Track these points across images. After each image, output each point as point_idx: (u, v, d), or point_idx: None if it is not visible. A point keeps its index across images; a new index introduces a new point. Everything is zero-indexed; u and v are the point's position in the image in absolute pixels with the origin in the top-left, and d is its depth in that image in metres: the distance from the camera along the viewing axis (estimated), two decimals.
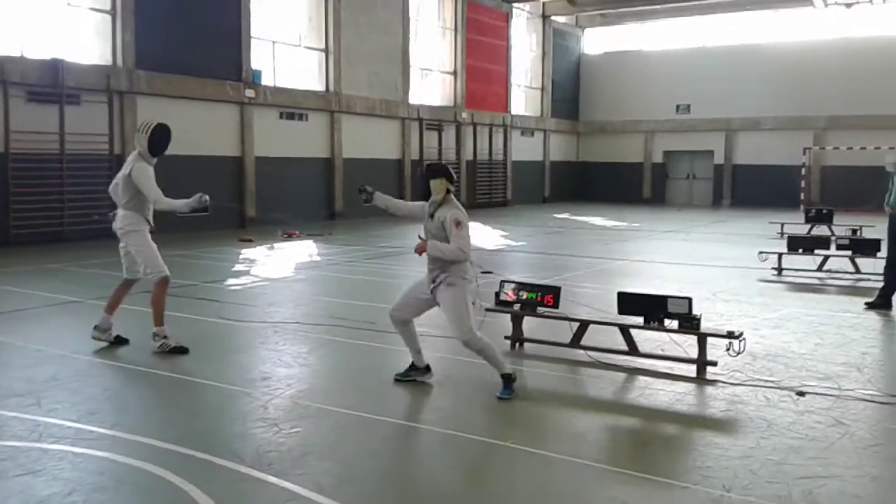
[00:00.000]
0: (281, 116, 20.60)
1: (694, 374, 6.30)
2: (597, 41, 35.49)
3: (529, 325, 7.43)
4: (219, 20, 18.81)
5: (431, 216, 5.77)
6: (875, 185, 27.49)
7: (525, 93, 32.07)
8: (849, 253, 11.89)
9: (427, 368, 6.12)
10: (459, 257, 5.62)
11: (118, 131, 16.67)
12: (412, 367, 6.12)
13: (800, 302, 9.89)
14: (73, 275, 11.62)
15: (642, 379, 6.30)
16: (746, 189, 30.76)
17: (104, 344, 7.10)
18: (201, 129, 18.45)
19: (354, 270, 12.54)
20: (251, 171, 19.62)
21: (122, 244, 7.04)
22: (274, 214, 19.13)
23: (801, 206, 26.10)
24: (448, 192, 5.75)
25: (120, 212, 6.94)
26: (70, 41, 16.14)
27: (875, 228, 16.19)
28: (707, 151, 32.07)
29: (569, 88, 34.53)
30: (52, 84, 15.38)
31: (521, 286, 7.30)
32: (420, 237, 5.85)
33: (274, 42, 20.69)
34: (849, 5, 27.52)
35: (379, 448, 4.81)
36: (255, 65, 19.74)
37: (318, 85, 21.94)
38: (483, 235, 18.85)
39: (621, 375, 6.41)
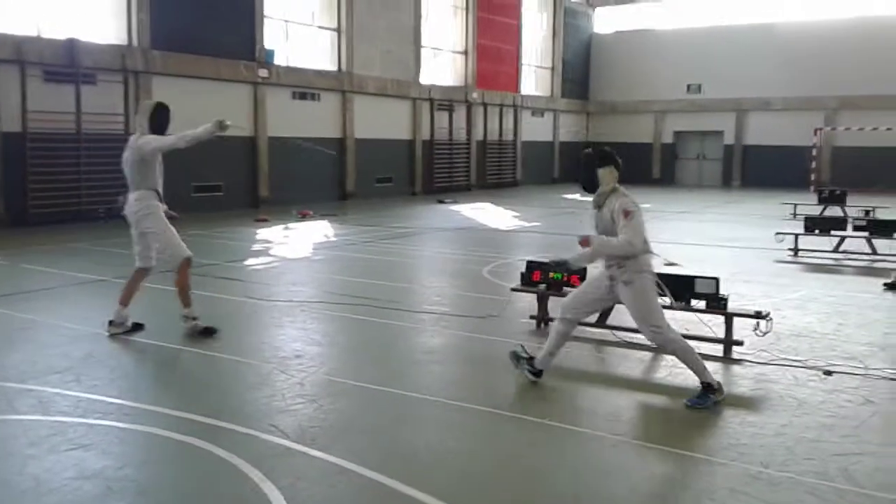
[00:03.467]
0: (293, 96, 20.60)
1: (720, 354, 6.37)
2: (608, 20, 35.27)
3: (554, 304, 7.48)
4: (233, 0, 18.78)
5: (599, 208, 5.35)
6: (886, 166, 27.54)
7: (535, 72, 31.95)
8: (865, 234, 11.91)
9: (541, 372, 5.66)
10: (629, 251, 5.13)
11: (133, 111, 16.66)
12: (529, 359, 5.70)
13: (819, 283, 9.94)
14: (95, 253, 11.72)
15: (669, 358, 6.34)
16: (756, 170, 30.68)
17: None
18: (215, 108, 18.28)
19: (371, 250, 12.62)
20: (264, 151, 19.65)
21: (134, 230, 6.82)
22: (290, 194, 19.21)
23: (812, 187, 26.06)
24: (617, 181, 5.33)
25: (132, 195, 6.74)
26: (86, 21, 16.14)
27: (889, 209, 16.21)
28: (717, 132, 31.97)
29: (579, 68, 34.39)
30: (68, 64, 15.41)
31: (548, 266, 7.35)
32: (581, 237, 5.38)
33: (287, 21, 20.64)
34: None
35: (417, 424, 4.90)
36: (268, 44, 19.71)
37: (330, 65, 21.91)
38: (495, 216, 18.90)
39: (648, 354, 6.48)
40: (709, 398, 5.13)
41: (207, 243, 13.01)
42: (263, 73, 19.39)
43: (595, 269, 5.69)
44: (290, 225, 16.00)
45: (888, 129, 27.04)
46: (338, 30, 21.97)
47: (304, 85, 20.82)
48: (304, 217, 17.11)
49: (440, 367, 6.15)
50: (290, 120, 20.22)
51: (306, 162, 20.37)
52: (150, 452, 4.45)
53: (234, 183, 19.20)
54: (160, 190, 6.84)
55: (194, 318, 6.84)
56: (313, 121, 21.00)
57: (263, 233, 14.73)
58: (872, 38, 28.26)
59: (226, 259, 11.33)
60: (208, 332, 6.82)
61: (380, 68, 23.16)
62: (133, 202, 6.72)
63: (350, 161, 22.19)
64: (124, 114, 16.45)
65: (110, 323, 6.88)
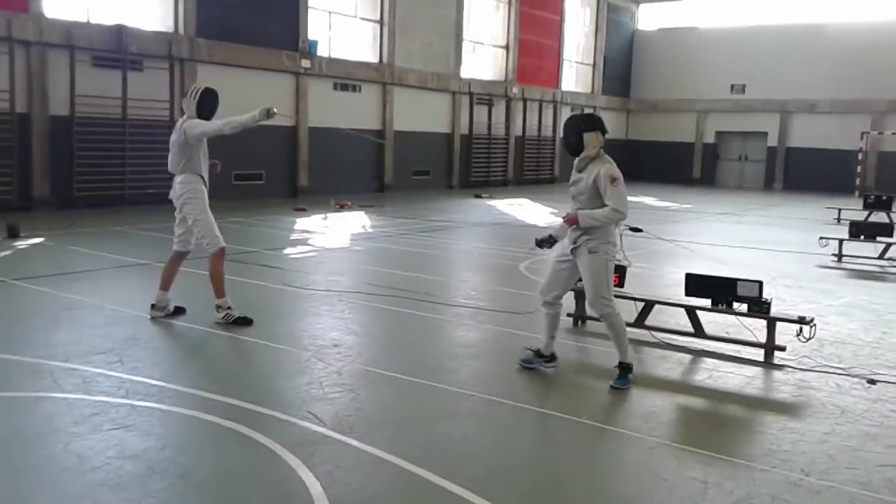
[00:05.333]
0: (335, 87, 20.71)
1: (761, 359, 6.27)
2: (651, 17, 34.86)
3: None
4: None
5: (579, 172, 5.42)
6: None
7: (576, 69, 31.71)
8: None
9: (553, 356, 5.80)
10: (616, 219, 5.28)
11: (178, 98, 16.91)
12: (538, 353, 5.80)
13: (863, 289, 9.73)
14: (138, 237, 11.92)
15: (709, 361, 6.29)
16: (799, 173, 30.13)
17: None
18: (257, 97, 18.50)
19: (408, 242, 12.65)
20: (305, 141, 19.80)
21: (178, 213, 6.87)
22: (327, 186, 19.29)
23: (857, 192, 25.53)
24: (601, 147, 5.39)
25: (177, 178, 6.76)
26: (134, 7, 16.39)
27: None
28: (761, 133, 31.44)
29: (621, 65, 34.05)
30: (116, 49, 15.67)
31: None
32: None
33: (330, 13, 20.74)
34: None
35: (453, 417, 4.91)
36: (311, 35, 19.83)
37: (371, 56, 21.98)
38: (532, 212, 18.82)
39: (687, 357, 6.41)
40: (628, 377, 5.45)
41: (247, 231, 13.17)
42: (306, 63, 19.52)
43: (557, 246, 5.74)
44: (328, 215, 16.11)
45: None
46: (380, 22, 22.02)
47: (346, 76, 20.92)
48: (341, 207, 17.21)
49: (477, 361, 6.15)
50: (332, 110, 20.33)
51: (345, 153, 20.49)
52: (190, 435, 4.52)
53: (275, 172, 19.38)
54: (205, 175, 6.86)
55: (228, 308, 6.82)
56: (354, 112, 21.10)
57: (302, 222, 14.86)
58: None
59: (265, 247, 11.45)
60: (242, 322, 6.79)
61: (420, 61, 23.18)
62: (178, 185, 6.76)
63: (388, 153, 22.26)
64: (169, 101, 16.69)
65: (152, 307, 6.98)
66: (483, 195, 22.27)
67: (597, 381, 5.77)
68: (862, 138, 27.91)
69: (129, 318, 6.98)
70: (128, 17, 16.12)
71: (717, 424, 5.00)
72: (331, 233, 13.51)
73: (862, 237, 12.07)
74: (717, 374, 5.94)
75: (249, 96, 18.35)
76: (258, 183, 18.96)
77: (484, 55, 26.74)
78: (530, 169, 28.64)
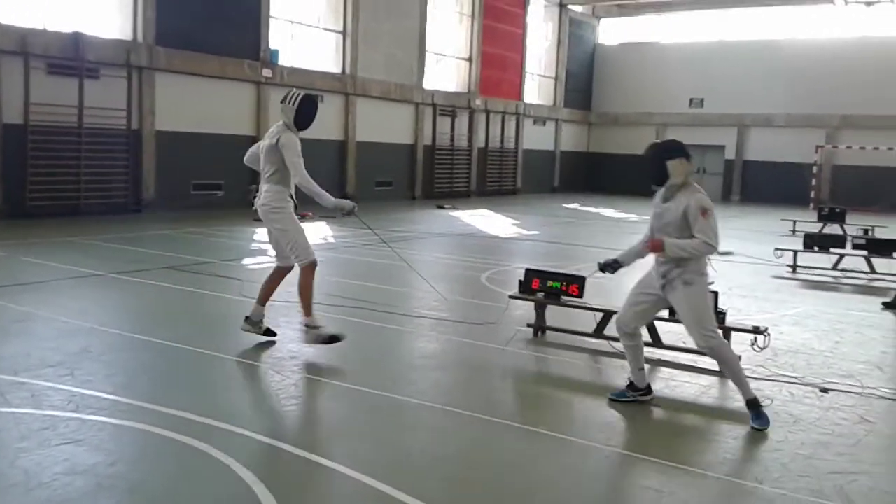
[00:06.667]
0: None
1: (717, 368, 6.34)
2: (613, 31, 35.34)
3: (549, 313, 7.47)
4: None
5: (665, 202, 5.09)
6: (886, 185, 27.57)
7: (539, 81, 32.00)
8: (864, 252, 11.91)
9: (648, 389, 5.46)
10: (706, 252, 4.92)
11: (136, 107, 16.70)
12: (630, 386, 5.46)
13: (817, 300, 9.93)
14: (92, 248, 11.69)
15: (666, 370, 6.36)
16: (756, 185, 30.74)
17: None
18: (218, 107, 18.50)
19: (371, 254, 12.59)
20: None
21: (266, 226, 6.50)
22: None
23: (811, 205, 26.11)
24: (689, 174, 5.07)
25: (263, 186, 6.33)
26: (91, 15, 16.14)
27: (887, 229, 16.22)
28: (719, 146, 32.00)
29: (582, 78, 34.45)
30: (72, 57, 15.40)
31: (546, 275, 7.36)
32: (651, 225, 5.17)
33: (292, 22, 20.66)
34: (869, 4, 27.37)
35: (412, 429, 4.88)
36: (272, 45, 19.73)
37: (334, 67, 21.93)
38: (495, 223, 18.90)
39: (644, 366, 6.45)
40: (762, 411, 4.96)
41: (204, 241, 13.01)
42: (267, 72, 19.40)
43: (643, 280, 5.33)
44: None
45: (889, 148, 27.10)
46: (343, 32, 21.99)
47: (308, 86, 20.78)
48: (303, 218, 16.90)
49: (437, 372, 6.13)
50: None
51: (308, 163, 20.30)
52: (143, 450, 4.43)
53: (234, 182, 19.15)
54: (292, 189, 6.36)
55: (316, 327, 6.28)
56: (316, 122, 20.78)
57: (262, 233, 14.68)
58: (875, 59, 28.35)
59: (222, 258, 11.31)
60: (335, 340, 6.27)
61: (384, 72, 23.18)
62: (263, 195, 6.33)
63: (351, 164, 22.19)
64: (126, 110, 16.45)
65: (246, 319, 6.60)
66: (446, 206, 22.31)
67: (555, 391, 5.79)
68: (816, 152, 28.58)
69: (81, 330, 6.82)
70: (85, 24, 15.87)
71: (673, 433, 5.05)
72: None
73: (816, 248, 12.33)
74: (674, 384, 6.00)
75: (209, 105, 18.23)
76: (217, 193, 18.74)
77: (447, 67, 26.86)
78: (493, 180, 28.78)
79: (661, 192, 5.17)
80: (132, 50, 16.49)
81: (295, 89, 6.61)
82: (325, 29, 21.71)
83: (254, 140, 19.33)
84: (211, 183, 18.59)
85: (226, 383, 5.66)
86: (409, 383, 5.75)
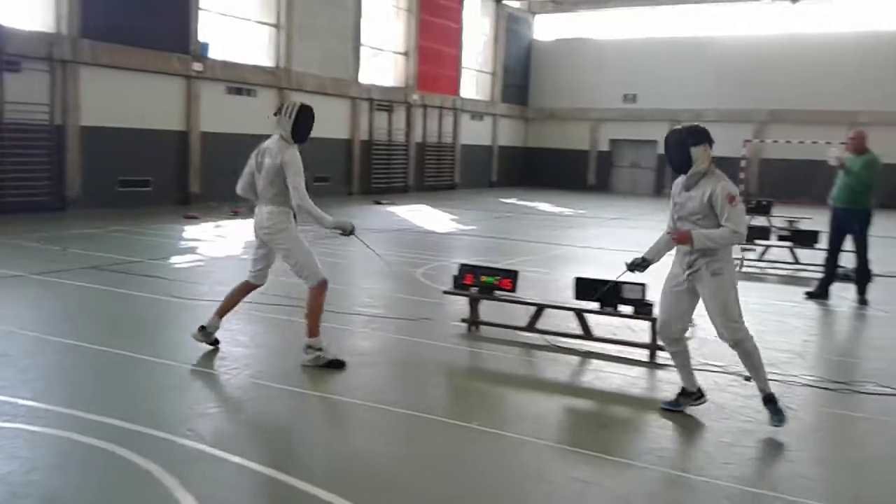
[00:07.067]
0: (228, 91, 20.20)
1: (646, 359, 6.47)
2: (549, 27, 35.69)
3: (484, 307, 7.49)
4: None
5: (688, 190, 4.89)
6: (812, 178, 28.54)
7: (476, 77, 32.10)
8: (789, 244, 12.30)
9: (700, 392, 5.21)
10: (736, 241, 4.79)
11: (59, 101, 16.11)
12: (683, 393, 5.21)
13: (743, 290, 10.06)
14: (13, 248, 11.23)
15: (596, 362, 6.45)
16: None
17: (208, 343, 6.21)
18: (146, 102, 18.00)
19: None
20: (196, 146, 19.20)
21: (261, 247, 6.12)
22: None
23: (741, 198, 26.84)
24: (712, 160, 4.89)
25: (265, 208, 5.90)
26: (12, 6, 15.48)
27: (812, 220, 16.79)
28: (651, 141, 32.63)
29: (519, 74, 34.70)
30: None
31: (480, 270, 7.37)
32: (673, 218, 4.97)
33: (223, 14, 20.23)
34: (794, 1, 28.28)
35: (342, 428, 4.83)
36: (202, 37, 19.27)
37: (267, 61, 21.56)
38: (432, 218, 18.89)
39: (576, 359, 6.55)
40: (779, 408, 4.89)
41: (131, 240, 12.64)
42: (197, 66, 18.95)
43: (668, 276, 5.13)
44: (222, 222, 15.65)
45: (814, 142, 28.06)
46: (276, 25, 21.64)
47: (240, 80, 20.44)
48: (236, 214, 16.76)
49: (369, 370, 6.08)
50: (225, 116, 19.82)
51: (241, 158, 19.91)
52: (60, 457, 4.26)
53: (164, 178, 18.68)
54: (294, 208, 5.92)
55: (319, 349, 5.93)
56: (249, 117, 20.60)
57: (192, 230, 14.37)
58: (800, 56, 29.32)
59: (150, 257, 10.99)
60: (335, 366, 5.92)
61: (319, 66, 22.90)
62: (265, 216, 5.91)
63: None
64: (50, 104, 15.86)
65: (200, 329, 6.20)
66: (383, 201, 22.19)
67: (488, 386, 5.81)
68: (745, 146, 29.40)
69: None
70: (5, 16, 15.21)
71: (601, 425, 5.11)
72: (223, 241, 13.12)
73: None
74: (603, 375, 6.09)
75: (137, 100, 17.72)
76: (145, 190, 18.22)
77: (384, 61, 26.70)
78: (431, 176, 28.77)
79: (680, 180, 4.97)
80: (55, 42, 15.89)
81: (291, 99, 6.36)
82: (259, 22, 21.33)
83: (183, 136, 18.98)
84: (139, 180, 18.06)
85: (150, 387, 5.49)
86: (340, 381, 5.68)
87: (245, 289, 6.31)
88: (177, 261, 10.94)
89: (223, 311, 6.24)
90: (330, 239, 13.84)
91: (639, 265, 5.26)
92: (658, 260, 5.28)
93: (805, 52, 29.29)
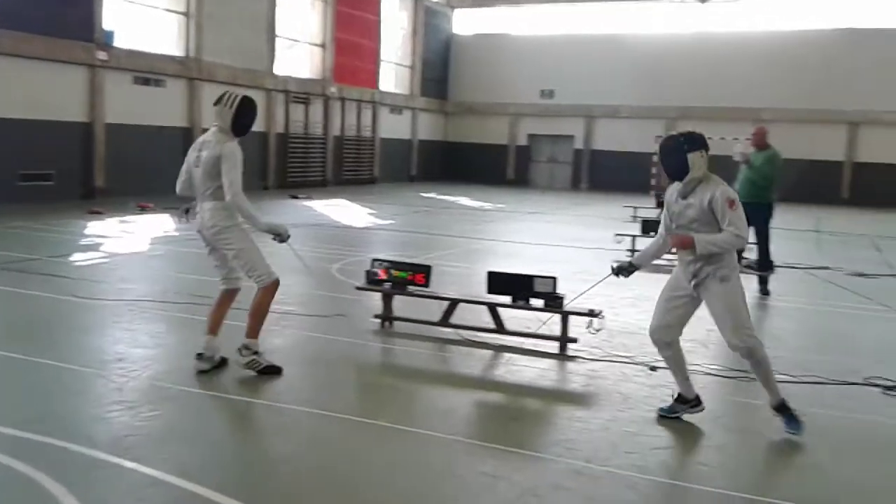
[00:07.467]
0: (135, 81, 19.45)
1: (557, 351, 6.54)
2: (468, 22, 35.80)
3: (399, 303, 7.43)
4: None
5: (685, 197, 4.80)
6: (718, 172, 29.52)
7: (395, 70, 31.93)
8: None
9: (697, 400, 5.06)
10: (738, 245, 4.71)
11: None
12: (679, 399, 5.08)
13: (652, 282, 10.34)
14: None
15: (508, 356, 6.47)
16: (603, 174, 32.15)
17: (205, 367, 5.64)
18: (48, 92, 17.18)
19: None
20: (101, 138, 18.42)
21: (211, 250, 5.68)
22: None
23: (652, 192, 27.61)
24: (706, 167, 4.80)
25: (206, 204, 5.52)
26: None
27: None
28: (568, 136, 33.23)
29: (439, 68, 34.71)
30: None
31: (393, 265, 7.30)
32: (668, 223, 4.89)
33: (130, 1, 19.46)
34: (703, 1, 29.19)
35: (246, 430, 4.69)
36: (107, 25, 18.49)
37: (177, 50, 20.87)
38: (350, 212, 18.69)
39: (489, 353, 6.56)
40: (794, 415, 4.78)
41: (32, 237, 12.03)
42: (102, 55, 18.17)
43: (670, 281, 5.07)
44: (128, 218, 15.06)
45: (722, 138, 29.05)
46: (186, 14, 20.96)
47: (148, 70, 19.72)
48: (143, 209, 16.16)
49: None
50: (132, 107, 19.10)
51: (150, 151, 19.30)
52: None
53: (67, 172, 17.84)
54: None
55: (255, 353, 5.58)
56: (158, 108, 19.94)
57: (96, 226, 13.77)
58: (708, 54, 30.30)
59: (49, 254, 10.45)
60: (271, 372, 5.58)
61: (231, 56, 22.30)
62: (208, 214, 5.53)
63: None
64: None
65: (198, 356, 5.64)
66: (300, 196, 21.84)
67: (400, 382, 5.75)
68: (656, 142, 30.20)
69: None
70: None
71: (511, 418, 5.12)
72: (128, 237, 12.62)
73: (652, 233, 12.97)
74: (515, 368, 6.11)
75: (38, 90, 16.89)
76: (47, 184, 17.37)
77: (300, 53, 26.24)
78: (349, 169, 28.49)
79: (675, 187, 4.89)
80: None
81: (232, 90, 5.93)
82: (167, 10, 20.61)
83: (88, 127, 18.18)
84: (40, 173, 17.21)
85: (44, 391, 5.20)
86: (244, 381, 5.51)
87: (225, 298, 5.82)
88: (80, 258, 10.45)
89: (213, 327, 5.73)
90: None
91: (625, 269, 5.24)
92: (645, 266, 5.31)
93: (713, 50, 30.30)
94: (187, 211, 5.83)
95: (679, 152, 4.78)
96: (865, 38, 28.68)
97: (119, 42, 18.78)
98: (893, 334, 8.10)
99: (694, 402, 5.04)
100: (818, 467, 4.50)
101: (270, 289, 5.61)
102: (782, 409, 4.81)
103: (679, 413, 5.03)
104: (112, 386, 5.23)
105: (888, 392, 5.71)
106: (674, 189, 4.91)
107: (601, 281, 5.86)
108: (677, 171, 4.80)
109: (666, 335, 4.97)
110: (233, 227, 5.54)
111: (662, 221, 5.06)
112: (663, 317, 4.97)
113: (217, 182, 5.44)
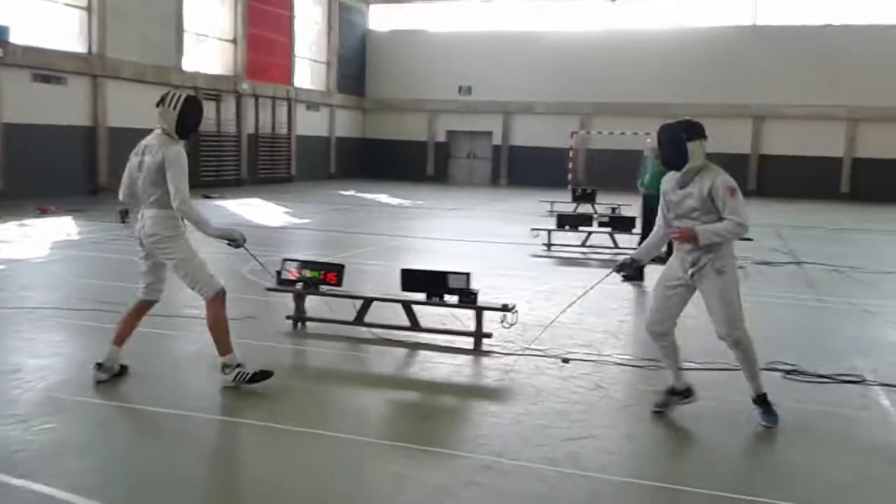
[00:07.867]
0: (35, 79, 18.55)
1: (472, 347, 6.54)
2: (383, 18, 35.60)
3: (312, 303, 7.30)
4: None
5: (683, 187, 4.74)
6: (634, 167, 30.39)
7: (311, 66, 31.48)
8: (609, 229, 12.95)
9: (689, 391, 5.00)
10: (740, 234, 4.67)
11: None
12: (671, 391, 5.03)
13: (566, 275, 10.62)
14: None
15: (423, 353, 6.44)
16: (521, 169, 32.53)
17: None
18: None
19: (119, 249, 11.59)
20: None
21: (147, 257, 5.37)
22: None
23: (569, 187, 28.11)
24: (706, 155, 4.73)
25: (148, 212, 5.25)
26: None
27: (632, 207, 17.82)
28: (486, 132, 33.47)
29: (355, 64, 34.40)
30: None
31: (304, 264, 7.17)
32: (666, 216, 4.83)
33: None
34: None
35: (148, 442, 4.50)
36: (1, 20, 17.56)
37: (79, 46, 20.01)
38: (265, 212, 18.32)
39: (404, 351, 6.51)
40: (771, 408, 4.83)
41: None
42: None
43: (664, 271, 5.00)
44: (27, 222, 14.34)
45: (634, 133, 29.81)
46: (88, 8, 20.12)
47: (46, 66, 18.82)
48: (44, 213, 15.42)
49: (186, 375, 5.74)
50: (31, 106, 18.21)
51: (50, 151, 18.45)
52: None
53: None
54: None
55: (238, 365, 5.30)
56: (59, 107, 19.08)
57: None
58: (620, 51, 30.99)
59: None
60: (263, 376, 5.32)
61: (137, 52, 21.52)
62: (149, 223, 5.24)
63: (103, 151, 20.41)
64: None
65: (98, 366, 5.31)
66: (213, 195, 21.26)
67: (311, 384, 5.64)
68: (572, 137, 30.76)
69: None
70: None
71: (424, 416, 5.09)
72: (28, 242, 12.01)
73: (567, 227, 13.22)
74: (430, 365, 6.09)
75: None
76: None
77: (210, 49, 25.56)
78: (265, 168, 27.94)
79: (673, 177, 4.83)
80: None
81: (175, 89, 5.59)
82: (67, 4, 19.73)
83: None
84: None
85: None
86: (152, 390, 5.31)
87: (139, 308, 5.52)
88: None
89: (120, 337, 5.43)
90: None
91: (627, 265, 5.20)
92: (647, 260, 5.27)
93: (625, 47, 31.00)
94: (125, 214, 5.55)
95: (678, 141, 4.72)
96: (768, 34, 29.94)
97: (15, 38, 17.86)
98: (794, 320, 8.45)
99: (685, 393, 5.01)
100: (716, 451, 4.62)
101: (217, 300, 5.33)
102: (762, 401, 4.86)
103: (672, 407, 5.01)
104: (5, 398, 4.95)
105: (788, 376, 5.93)
106: (671, 178, 4.87)
107: (600, 281, 5.89)
108: (676, 160, 4.76)
109: (663, 326, 4.96)
110: (175, 237, 5.26)
111: (660, 212, 5.01)
112: (660, 309, 4.97)
113: (161, 189, 5.19)
